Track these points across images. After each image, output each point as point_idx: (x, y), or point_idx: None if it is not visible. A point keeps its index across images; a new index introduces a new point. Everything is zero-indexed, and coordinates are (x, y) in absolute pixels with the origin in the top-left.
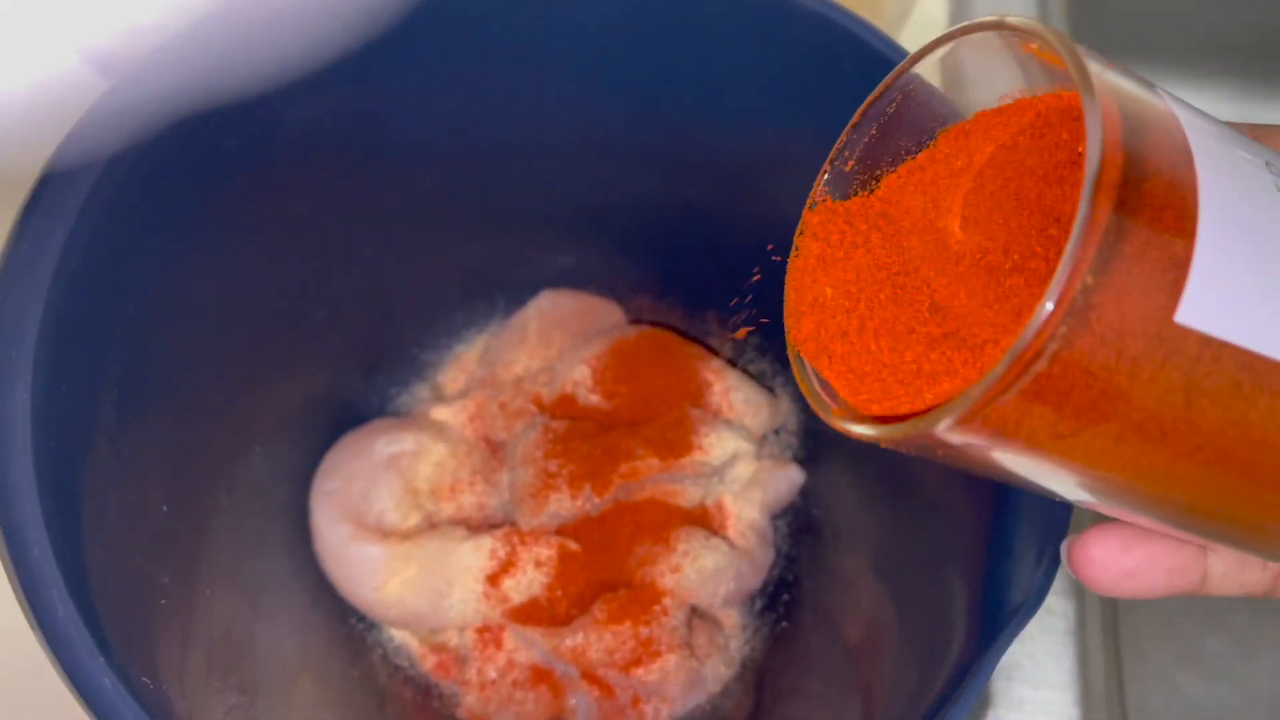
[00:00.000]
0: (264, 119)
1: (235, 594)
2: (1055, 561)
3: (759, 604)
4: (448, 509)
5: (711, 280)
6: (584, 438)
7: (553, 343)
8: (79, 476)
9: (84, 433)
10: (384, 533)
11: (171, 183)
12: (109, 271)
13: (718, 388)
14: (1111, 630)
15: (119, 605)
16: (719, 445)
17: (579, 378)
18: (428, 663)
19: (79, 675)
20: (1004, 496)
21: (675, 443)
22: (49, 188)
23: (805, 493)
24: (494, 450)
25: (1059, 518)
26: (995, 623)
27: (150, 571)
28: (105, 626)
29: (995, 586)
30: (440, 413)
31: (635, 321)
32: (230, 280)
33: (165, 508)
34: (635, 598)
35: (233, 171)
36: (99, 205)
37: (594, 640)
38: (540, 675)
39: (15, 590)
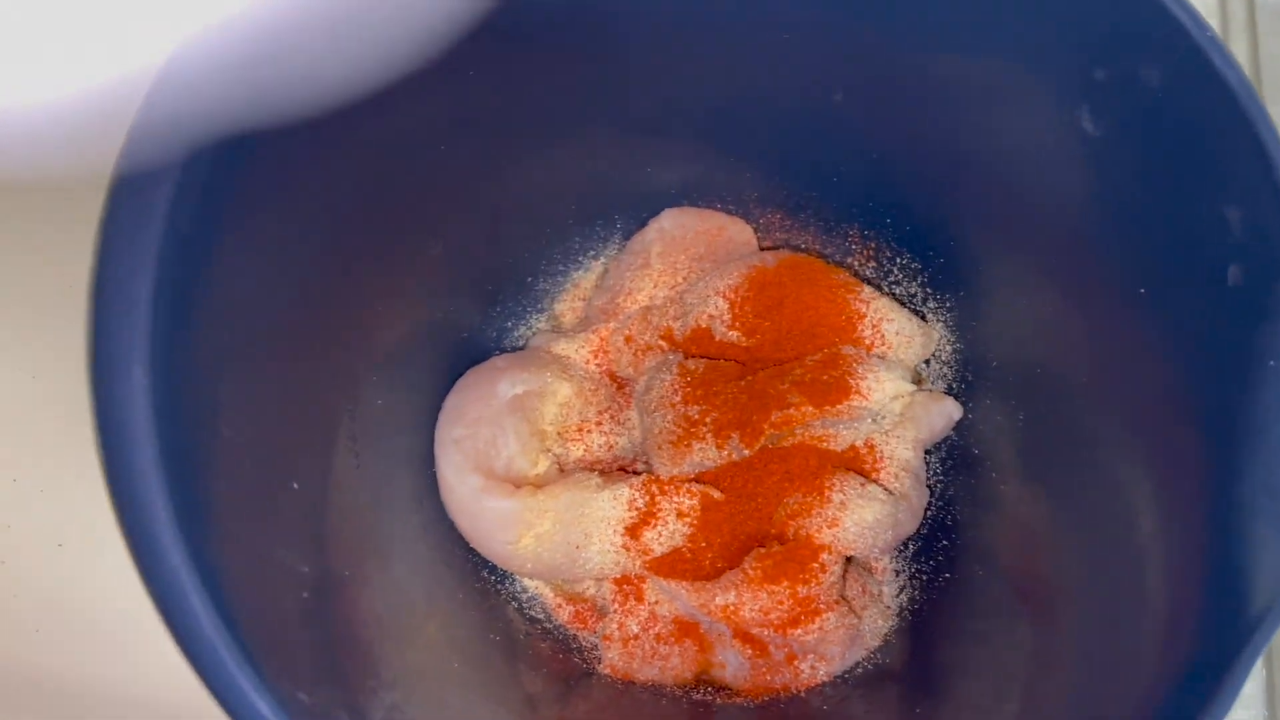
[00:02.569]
0: None
1: (371, 566)
2: None
3: (911, 548)
4: (576, 451)
5: (854, 192)
6: (726, 380)
7: (678, 267)
8: (205, 468)
9: (205, 417)
10: (515, 482)
11: (276, 118)
12: (215, 226)
13: (869, 320)
14: None
15: (261, 610)
16: (878, 388)
17: (714, 311)
18: (563, 614)
19: (232, 698)
20: (1238, 463)
21: (832, 386)
22: (146, 142)
23: (962, 428)
24: (620, 386)
25: None
26: (1235, 630)
27: (290, 562)
28: (250, 640)
29: (1233, 582)
30: (561, 347)
31: (766, 243)
32: (342, 217)
33: (295, 484)
34: (791, 555)
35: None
36: (202, 153)
37: (748, 599)
38: (685, 629)
39: (156, 603)
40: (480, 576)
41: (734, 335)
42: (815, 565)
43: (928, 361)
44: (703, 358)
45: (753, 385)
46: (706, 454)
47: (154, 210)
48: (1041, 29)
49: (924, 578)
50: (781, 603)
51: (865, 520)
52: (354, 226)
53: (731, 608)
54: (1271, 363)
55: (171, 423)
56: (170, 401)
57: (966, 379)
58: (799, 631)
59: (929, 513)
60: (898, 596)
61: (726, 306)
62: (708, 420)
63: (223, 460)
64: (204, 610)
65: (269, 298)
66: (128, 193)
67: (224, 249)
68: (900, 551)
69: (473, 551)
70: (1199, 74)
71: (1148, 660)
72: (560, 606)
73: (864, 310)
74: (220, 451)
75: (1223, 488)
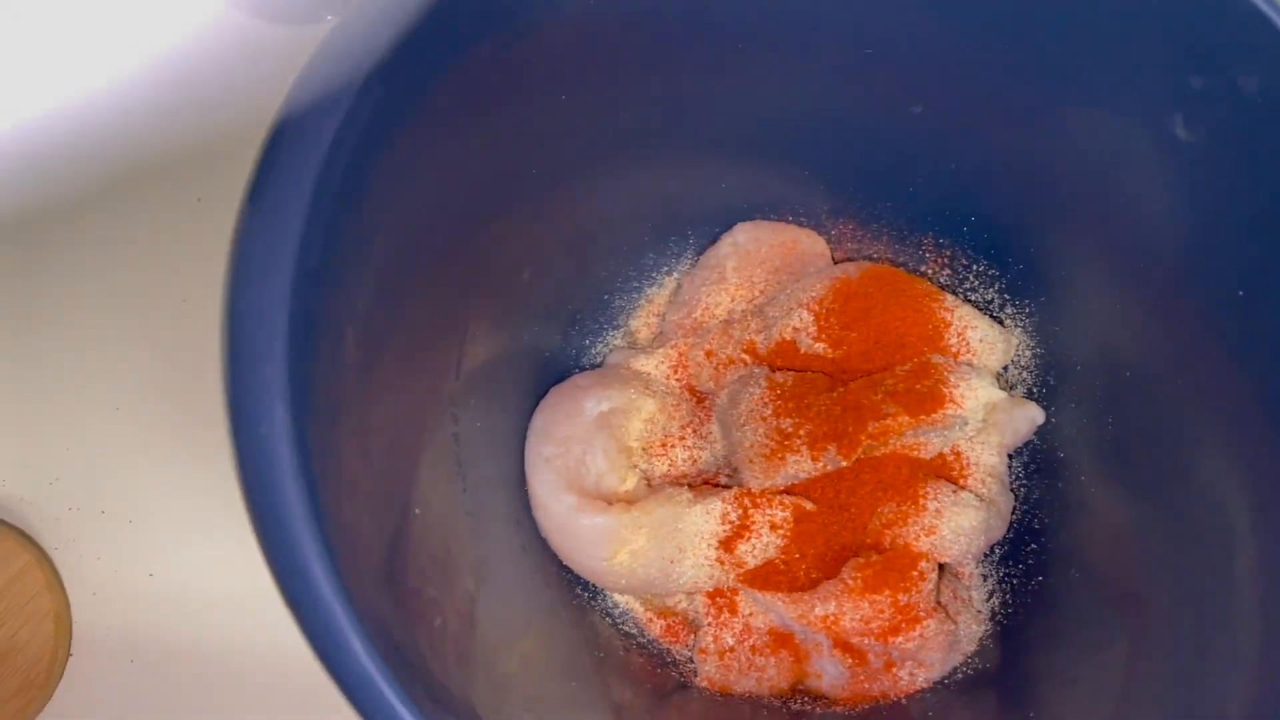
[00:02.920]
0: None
1: (475, 585)
2: None
3: (998, 553)
4: (661, 465)
5: (929, 202)
6: (817, 392)
7: (754, 281)
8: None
9: (334, 421)
10: (606, 499)
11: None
12: (335, 247)
13: (954, 328)
14: None
15: (385, 607)
16: (971, 395)
17: (799, 324)
18: (655, 628)
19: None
20: None
21: (926, 396)
22: (285, 138)
23: (1044, 432)
24: (699, 401)
25: None
26: None
27: (414, 584)
28: (367, 617)
29: None
30: (640, 364)
31: (839, 255)
32: (443, 243)
33: (417, 510)
34: (891, 564)
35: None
36: (335, 167)
37: (849, 609)
38: (780, 640)
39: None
40: (574, 593)
41: (820, 347)
42: (915, 573)
43: (1005, 367)
44: (789, 370)
45: (845, 396)
46: (801, 466)
47: (288, 227)
48: (1137, 39)
49: (1014, 582)
50: (883, 611)
51: (961, 527)
52: (458, 251)
53: (832, 618)
54: None
55: (306, 440)
56: (305, 421)
57: (1048, 383)
58: (900, 639)
59: (1015, 517)
60: (988, 601)
61: (811, 319)
62: (802, 433)
63: (346, 460)
64: (354, 635)
65: (385, 319)
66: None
67: (345, 265)
68: (987, 556)
69: (565, 569)
70: None
71: (1244, 666)
72: (652, 621)
73: (949, 319)
74: (345, 454)
75: None
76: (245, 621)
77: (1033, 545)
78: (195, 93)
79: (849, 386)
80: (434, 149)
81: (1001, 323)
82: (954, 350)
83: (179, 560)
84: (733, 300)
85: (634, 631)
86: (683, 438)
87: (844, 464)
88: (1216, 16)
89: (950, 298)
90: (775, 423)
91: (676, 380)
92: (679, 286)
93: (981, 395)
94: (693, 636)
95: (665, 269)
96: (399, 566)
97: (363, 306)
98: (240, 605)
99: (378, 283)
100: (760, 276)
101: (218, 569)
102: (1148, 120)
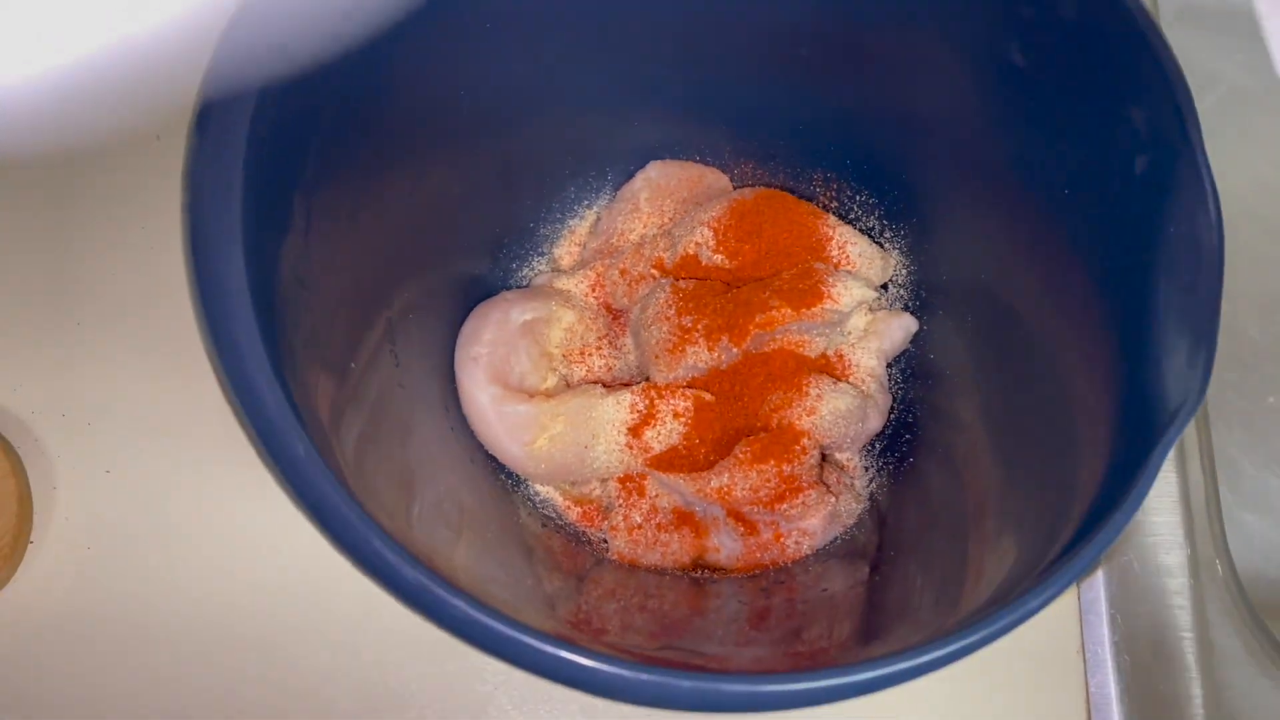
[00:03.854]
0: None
1: (411, 445)
2: (1210, 356)
3: (878, 446)
4: (579, 371)
5: (818, 139)
6: (714, 294)
7: (665, 210)
8: (289, 335)
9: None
10: (528, 393)
11: (317, 103)
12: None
13: (835, 242)
14: (1209, 456)
15: (330, 442)
16: (846, 294)
17: (701, 239)
18: (573, 514)
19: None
20: (1143, 311)
21: (806, 293)
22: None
23: (918, 340)
24: (615, 316)
25: (1208, 313)
26: (1150, 431)
27: (354, 422)
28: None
29: (1144, 398)
30: (563, 283)
31: (742, 187)
32: (382, 172)
33: (353, 364)
34: (776, 438)
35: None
36: (261, 128)
37: (739, 479)
38: (683, 517)
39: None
40: (499, 479)
41: (719, 259)
42: (797, 448)
43: (886, 286)
44: (692, 279)
45: (738, 296)
46: (699, 356)
47: (234, 155)
48: None
49: (889, 469)
50: (769, 480)
51: (839, 409)
52: (395, 175)
53: (725, 489)
54: (1171, 228)
55: (263, 290)
56: (261, 276)
57: (921, 297)
58: (785, 505)
59: (892, 415)
60: (869, 486)
61: (711, 234)
62: (699, 327)
63: (302, 335)
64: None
65: (332, 203)
66: (207, 140)
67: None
68: (869, 450)
69: (490, 458)
70: (1106, 2)
71: (1073, 482)
72: (569, 508)
73: (831, 234)
74: (301, 331)
75: (1134, 331)
76: (195, 512)
77: (907, 437)
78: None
79: (741, 289)
80: (367, 90)
81: (882, 246)
82: (835, 261)
83: (135, 459)
84: (645, 227)
85: (553, 516)
86: (599, 347)
87: (736, 353)
88: None
89: (833, 218)
90: (677, 320)
91: (595, 298)
92: (598, 218)
93: (856, 294)
94: (606, 521)
95: (586, 203)
96: (342, 411)
97: (310, 179)
98: (193, 498)
99: (323, 160)
100: (670, 206)
101: (171, 467)
102: (990, 51)
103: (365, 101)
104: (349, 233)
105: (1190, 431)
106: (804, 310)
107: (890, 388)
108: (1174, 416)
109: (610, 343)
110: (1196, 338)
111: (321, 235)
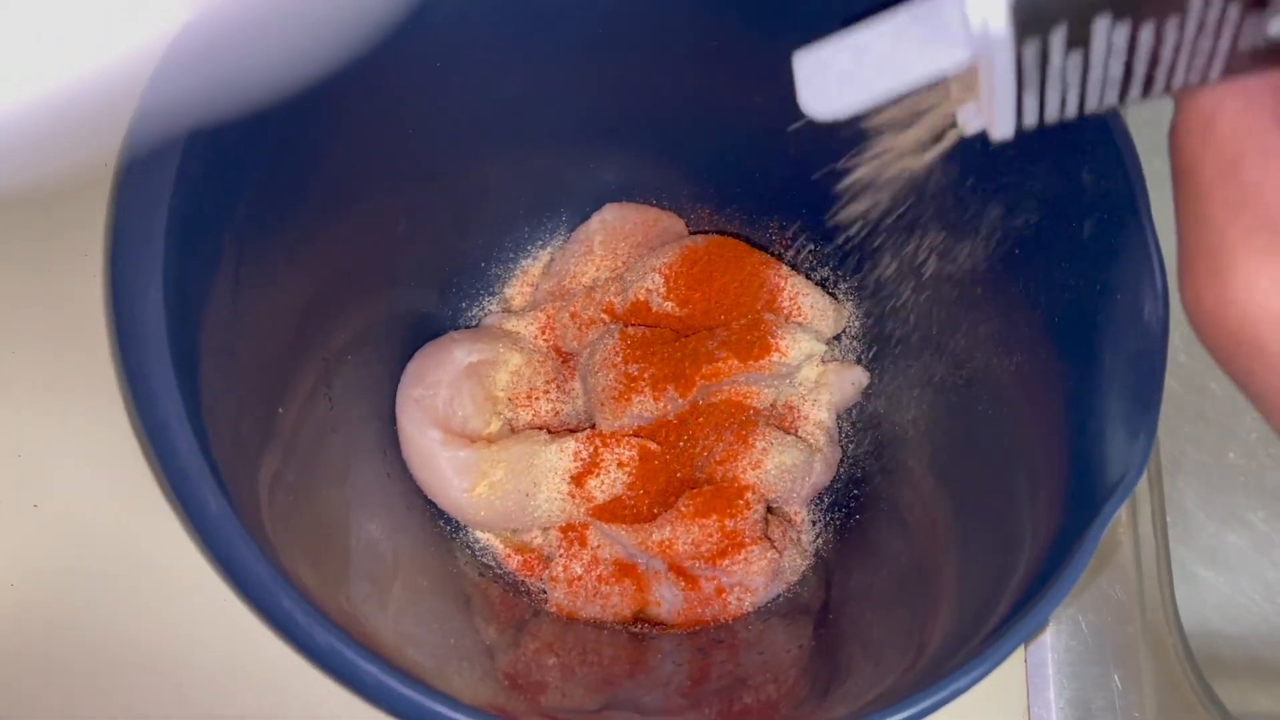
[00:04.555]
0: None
1: (344, 492)
2: (1151, 433)
3: (826, 500)
4: (525, 416)
5: (772, 189)
6: (662, 342)
7: (619, 253)
8: (211, 380)
9: (217, 347)
10: (470, 438)
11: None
12: (213, 214)
13: (787, 293)
14: (1161, 515)
15: (250, 491)
16: (795, 346)
17: (651, 285)
18: (512, 563)
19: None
20: (1089, 378)
21: (754, 344)
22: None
23: (870, 393)
24: (565, 360)
25: (1151, 385)
26: (1092, 501)
27: (279, 469)
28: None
29: (1087, 467)
30: (512, 324)
31: (696, 232)
32: (323, 209)
33: (281, 410)
34: (719, 492)
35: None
36: (190, 169)
37: (681, 533)
38: (624, 570)
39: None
40: (437, 526)
41: (669, 306)
42: (741, 502)
43: (838, 337)
44: (642, 326)
45: (685, 345)
46: (645, 406)
47: (160, 192)
48: None
49: (836, 524)
50: (711, 535)
51: (784, 464)
52: (338, 205)
53: (667, 542)
54: (1118, 295)
55: (184, 332)
56: (182, 317)
57: (874, 349)
58: (727, 562)
59: (842, 469)
60: (815, 541)
61: (662, 281)
62: (646, 376)
63: (221, 375)
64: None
65: (263, 236)
66: (133, 176)
67: (225, 182)
68: (817, 504)
69: (429, 504)
70: None
71: (1019, 547)
72: (509, 556)
73: (783, 284)
74: (221, 370)
75: (1080, 398)
76: (127, 549)
77: (855, 492)
78: None
79: (689, 338)
80: (308, 130)
81: (836, 297)
82: (786, 312)
83: (63, 492)
84: (598, 270)
85: (492, 564)
86: (546, 391)
87: (682, 403)
88: None
89: (785, 268)
90: (624, 368)
91: (545, 340)
92: (552, 259)
93: (805, 348)
94: (546, 570)
95: (540, 243)
96: (268, 456)
97: (242, 219)
98: (122, 532)
99: (258, 199)
100: (624, 250)
101: (101, 500)
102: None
103: (305, 141)
104: (284, 273)
105: (1143, 488)
106: (751, 362)
107: (840, 440)
108: (1113, 490)
109: (559, 387)
110: (1140, 408)
111: (253, 276)
